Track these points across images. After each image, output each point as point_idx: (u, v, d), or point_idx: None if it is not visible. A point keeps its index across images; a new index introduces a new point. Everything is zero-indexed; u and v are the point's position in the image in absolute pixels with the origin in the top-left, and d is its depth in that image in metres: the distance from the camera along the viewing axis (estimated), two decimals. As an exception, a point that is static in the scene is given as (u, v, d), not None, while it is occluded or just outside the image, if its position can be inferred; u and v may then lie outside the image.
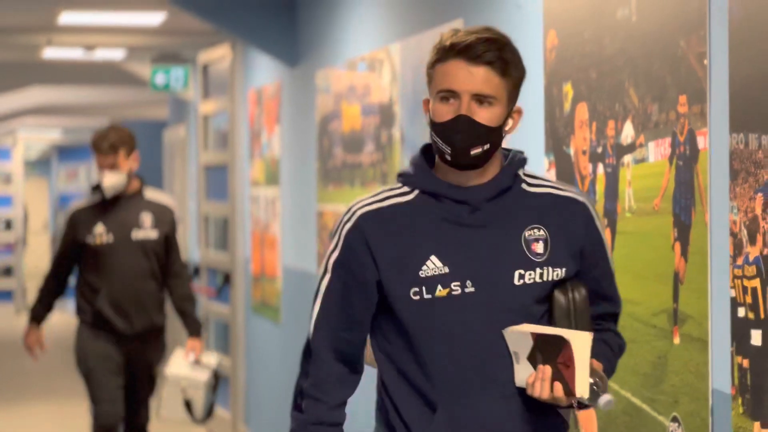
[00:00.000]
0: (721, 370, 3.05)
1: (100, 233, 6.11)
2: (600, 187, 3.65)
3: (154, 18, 8.22)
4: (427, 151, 2.76)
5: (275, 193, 7.78)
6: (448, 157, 2.65)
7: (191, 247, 10.59)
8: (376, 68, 5.73)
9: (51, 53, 10.02)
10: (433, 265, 2.64)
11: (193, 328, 6.42)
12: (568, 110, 3.84)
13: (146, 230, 6.20)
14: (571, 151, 3.83)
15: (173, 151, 11.93)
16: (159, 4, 7.55)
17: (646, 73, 3.40)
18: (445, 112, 2.64)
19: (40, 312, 6.28)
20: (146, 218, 6.21)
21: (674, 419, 3.25)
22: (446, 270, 2.64)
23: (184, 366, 6.68)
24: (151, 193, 6.28)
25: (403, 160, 5.38)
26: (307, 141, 7.00)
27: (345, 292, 2.70)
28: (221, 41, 8.89)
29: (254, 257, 8.37)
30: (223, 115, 9.05)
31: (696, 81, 3.15)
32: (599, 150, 3.66)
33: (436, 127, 2.66)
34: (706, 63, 3.10)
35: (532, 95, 4.10)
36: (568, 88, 3.84)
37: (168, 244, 6.27)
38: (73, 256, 6.18)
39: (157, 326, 6.28)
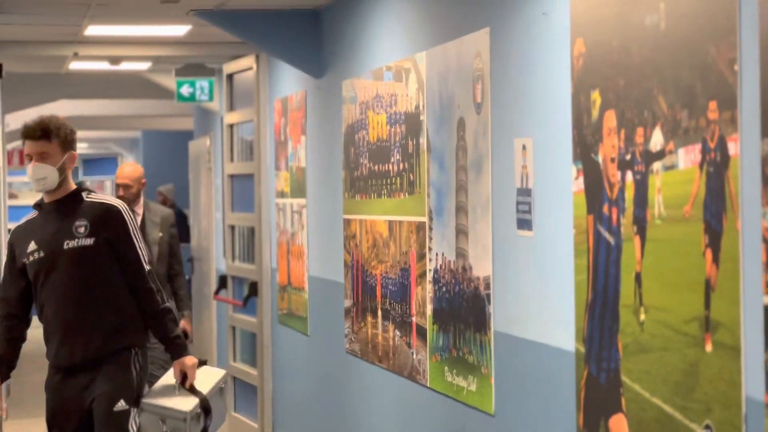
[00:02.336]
0: (754, 377, 3.03)
1: (32, 250, 5.03)
2: (629, 194, 3.64)
3: (179, 30, 8.25)
4: None
5: (301, 203, 7.79)
6: None
7: (218, 258, 10.61)
8: (403, 77, 5.74)
9: (77, 66, 10.07)
10: None
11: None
12: (596, 118, 3.83)
13: (80, 239, 4.97)
14: (600, 159, 3.82)
15: (199, 162, 11.96)
16: (184, 18, 7.58)
17: (675, 79, 3.39)
18: None
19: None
20: (81, 226, 4.99)
21: (707, 427, 3.24)
22: None
23: (169, 391, 5.09)
24: (92, 196, 5.07)
25: (430, 169, 5.38)
26: (333, 151, 7.01)
27: None
28: (246, 52, 8.91)
29: (280, 267, 8.38)
30: (249, 126, 9.07)
31: (726, 87, 3.14)
32: (628, 157, 3.65)
33: None
34: (737, 69, 3.09)
35: (559, 103, 4.09)
36: (595, 96, 3.83)
37: (115, 250, 4.98)
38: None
39: (104, 354, 4.97)
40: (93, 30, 8.13)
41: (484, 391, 4.79)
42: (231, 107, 9.58)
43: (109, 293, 4.98)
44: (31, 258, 5.01)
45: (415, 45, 5.61)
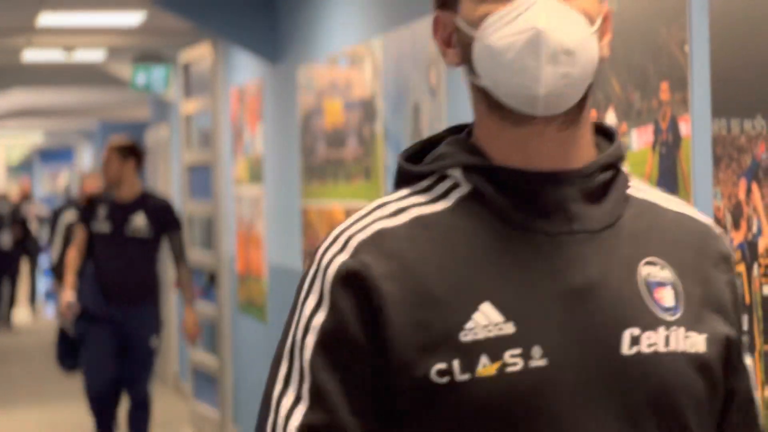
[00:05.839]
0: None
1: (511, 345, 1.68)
2: (583, 176, 3.65)
3: (134, 18, 8.20)
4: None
5: (259, 191, 7.77)
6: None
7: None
8: (358, 63, 5.73)
9: (31, 55, 9.99)
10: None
11: None
12: (551, 100, 3.84)
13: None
14: (554, 142, 3.82)
15: (156, 151, 11.91)
16: (139, 4, 7.53)
17: (627, 61, 3.40)
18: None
19: None
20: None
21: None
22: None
23: None
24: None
25: (386, 155, 5.38)
26: (290, 138, 6.99)
27: None
28: (202, 40, 8.87)
29: (239, 256, 8.36)
30: (206, 114, 9.04)
31: (677, 68, 3.15)
32: (582, 139, 3.65)
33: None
34: (687, 50, 3.10)
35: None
36: (549, 79, 3.84)
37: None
38: None
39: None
40: (47, 19, 8.07)
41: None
42: (187, 96, 9.54)
43: None
44: (508, 368, 1.44)
45: (371, 30, 5.60)
